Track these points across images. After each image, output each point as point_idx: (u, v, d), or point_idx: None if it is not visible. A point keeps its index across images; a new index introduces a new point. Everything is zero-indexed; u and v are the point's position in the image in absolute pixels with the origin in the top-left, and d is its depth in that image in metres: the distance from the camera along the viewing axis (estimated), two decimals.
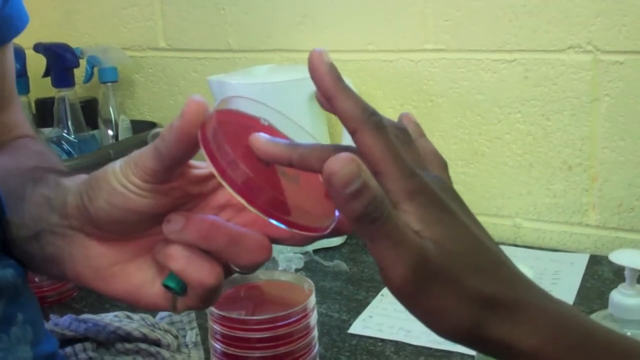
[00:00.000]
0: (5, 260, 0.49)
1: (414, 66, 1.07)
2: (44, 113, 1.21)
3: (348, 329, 0.81)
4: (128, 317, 0.75)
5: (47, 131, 1.16)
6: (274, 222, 0.37)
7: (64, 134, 1.13)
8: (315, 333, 0.66)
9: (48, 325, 0.72)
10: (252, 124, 0.40)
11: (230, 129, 0.38)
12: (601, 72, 0.95)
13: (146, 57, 1.30)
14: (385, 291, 0.89)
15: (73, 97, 1.15)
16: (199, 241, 0.40)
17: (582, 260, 0.96)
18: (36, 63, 1.20)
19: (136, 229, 0.42)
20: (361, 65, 1.10)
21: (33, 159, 0.57)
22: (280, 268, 0.93)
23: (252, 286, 0.68)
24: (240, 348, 0.63)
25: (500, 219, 1.06)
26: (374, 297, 0.88)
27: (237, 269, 0.42)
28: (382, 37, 1.08)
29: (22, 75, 1.19)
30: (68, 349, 0.71)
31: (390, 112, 1.08)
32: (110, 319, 0.73)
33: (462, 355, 0.73)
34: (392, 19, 1.07)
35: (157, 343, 0.72)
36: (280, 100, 0.93)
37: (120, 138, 1.20)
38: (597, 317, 0.61)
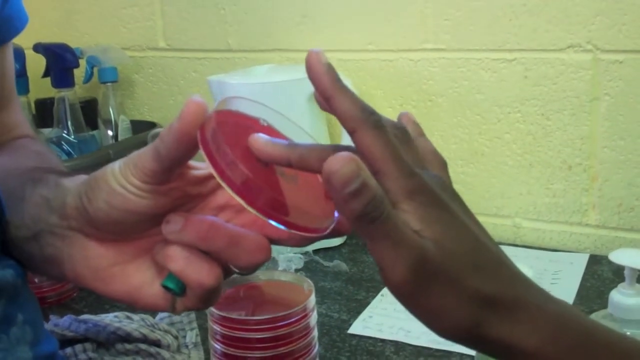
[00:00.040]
0: (5, 260, 0.49)
1: (413, 66, 1.07)
2: (44, 113, 1.21)
3: (348, 329, 0.81)
4: (128, 317, 0.75)
5: (46, 131, 1.16)
6: (273, 222, 0.37)
7: (64, 135, 1.13)
8: (315, 333, 0.66)
9: (48, 326, 0.72)
10: (252, 124, 0.40)
11: (230, 129, 0.38)
12: (601, 72, 0.95)
13: (146, 57, 1.30)
14: (385, 291, 0.89)
15: (73, 97, 1.15)
16: (198, 242, 0.40)
17: (581, 260, 0.96)
18: (36, 63, 1.20)
19: (135, 230, 0.42)
20: (361, 65, 1.10)
21: (33, 159, 0.57)
22: (280, 268, 0.93)
23: (252, 286, 0.68)
24: (240, 348, 0.63)
25: (500, 218, 1.06)
26: (373, 297, 0.88)
27: (237, 270, 0.42)
28: (382, 36, 1.08)
29: (21, 75, 1.18)
30: (68, 350, 0.71)
31: (390, 111, 1.08)
32: (110, 319, 0.73)
33: (462, 355, 0.73)
34: (392, 18, 1.07)
35: (157, 344, 0.72)
36: (280, 100, 0.94)
37: (120, 138, 1.20)
38: (596, 316, 0.61)
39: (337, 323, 0.82)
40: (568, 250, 1.01)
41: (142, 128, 1.21)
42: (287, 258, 0.96)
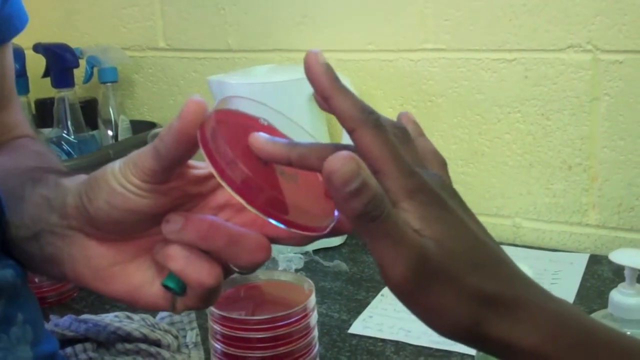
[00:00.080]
0: (4, 260, 0.49)
1: (413, 66, 1.07)
2: (44, 113, 1.21)
3: (348, 329, 0.81)
4: (128, 317, 0.75)
5: (46, 131, 1.16)
6: (273, 221, 0.37)
7: (64, 135, 1.13)
8: (316, 333, 0.66)
9: (48, 326, 0.72)
10: (251, 123, 0.40)
11: (229, 129, 0.38)
12: (601, 72, 0.95)
13: (146, 57, 1.30)
14: (385, 291, 0.89)
15: (73, 97, 1.15)
16: (198, 241, 0.40)
17: (581, 260, 0.96)
18: (36, 63, 1.20)
19: (135, 229, 0.42)
20: (361, 65, 1.10)
21: (32, 159, 0.57)
22: (280, 268, 0.93)
23: (252, 286, 0.68)
24: (241, 348, 0.63)
25: (500, 218, 1.06)
26: (374, 297, 0.88)
27: (237, 269, 0.42)
28: (382, 36, 1.08)
29: (21, 75, 1.18)
30: (68, 350, 0.71)
31: (390, 111, 1.08)
32: (111, 319, 0.73)
33: (462, 355, 0.73)
34: (392, 18, 1.07)
35: (157, 343, 0.72)
36: (280, 100, 0.94)
37: (120, 138, 1.20)
38: (596, 316, 0.61)
39: (337, 323, 0.82)
40: (568, 250, 1.01)
41: (142, 128, 1.21)
42: (287, 258, 0.96)
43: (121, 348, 0.71)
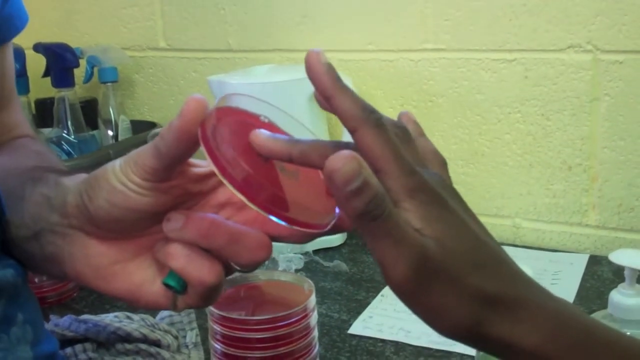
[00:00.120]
0: (5, 260, 0.49)
1: (414, 66, 1.07)
2: (44, 113, 1.21)
3: (348, 329, 0.81)
4: (128, 317, 0.75)
5: (46, 131, 1.16)
6: (274, 219, 0.37)
7: (64, 134, 1.13)
8: (316, 333, 0.66)
9: (48, 326, 0.72)
10: (252, 121, 0.40)
11: (230, 126, 0.38)
12: (601, 72, 0.95)
13: (146, 57, 1.30)
14: (385, 291, 0.89)
15: (73, 97, 1.15)
16: (199, 239, 0.40)
17: (581, 261, 0.96)
18: (36, 63, 1.20)
19: (136, 228, 0.42)
20: (361, 65, 1.10)
21: (33, 159, 0.57)
22: (280, 268, 0.93)
23: (252, 286, 0.68)
24: (241, 348, 0.63)
25: (500, 219, 1.06)
26: (374, 297, 0.88)
27: (238, 267, 0.42)
28: (382, 36, 1.08)
29: (21, 75, 1.18)
30: (68, 350, 0.71)
31: (390, 111, 1.08)
32: (111, 319, 0.73)
33: (462, 355, 0.73)
34: (392, 18, 1.07)
35: (157, 344, 0.72)
36: (280, 100, 0.93)
37: (120, 138, 1.20)
38: (596, 317, 0.61)
39: (337, 323, 0.82)
40: (568, 251, 1.01)
41: (142, 128, 1.21)
42: (287, 258, 0.96)
43: (121, 348, 0.71)
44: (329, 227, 0.38)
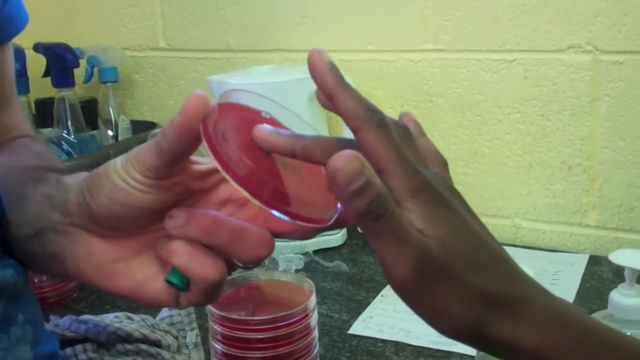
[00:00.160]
0: (5, 260, 0.49)
1: (414, 66, 1.07)
2: (44, 113, 1.21)
3: (348, 329, 0.81)
4: (128, 317, 0.74)
5: (46, 131, 1.16)
6: (276, 213, 0.37)
7: (64, 135, 1.13)
8: (316, 333, 0.66)
9: (48, 326, 0.72)
10: (254, 117, 0.40)
11: (232, 122, 0.38)
12: (601, 72, 0.95)
13: (146, 57, 1.30)
14: (385, 292, 0.89)
15: (73, 97, 1.15)
16: (201, 236, 0.40)
17: (581, 261, 0.96)
18: (36, 63, 1.20)
19: (138, 225, 0.42)
20: (361, 65, 1.11)
21: (33, 159, 0.57)
22: (280, 268, 0.93)
23: (252, 287, 0.68)
24: (241, 349, 0.63)
25: (500, 219, 1.06)
26: (374, 297, 0.88)
27: (240, 264, 0.42)
28: (382, 37, 1.08)
29: (21, 75, 1.18)
30: (68, 350, 0.70)
31: (390, 112, 1.07)
32: (111, 319, 0.73)
33: (462, 355, 0.73)
34: (392, 19, 1.07)
35: (157, 344, 0.71)
36: (280, 100, 0.94)
37: (120, 138, 1.20)
38: (596, 317, 0.61)
39: (338, 323, 0.82)
40: (568, 251, 1.01)
41: (142, 128, 1.22)
42: (288, 258, 0.96)
43: (121, 349, 0.71)
44: (331, 221, 0.38)
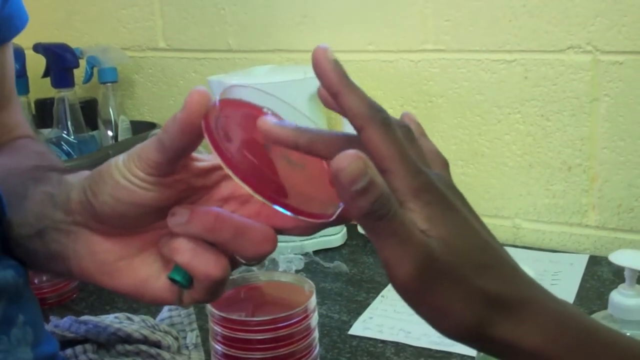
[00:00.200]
0: (5, 260, 0.49)
1: (413, 66, 1.07)
2: (44, 113, 1.21)
3: (348, 330, 0.81)
4: (128, 318, 0.74)
5: (46, 132, 1.16)
6: (279, 209, 0.36)
7: (64, 135, 1.13)
8: (316, 334, 0.66)
9: (48, 327, 0.72)
10: (256, 113, 0.40)
11: (234, 118, 0.38)
12: (601, 73, 0.95)
13: (146, 57, 1.30)
14: (385, 292, 0.89)
15: (73, 97, 1.15)
16: (204, 233, 0.40)
17: (581, 261, 0.96)
18: (36, 63, 1.20)
19: (141, 223, 0.42)
20: (361, 66, 1.10)
21: (33, 159, 0.57)
22: (280, 269, 0.93)
23: (252, 287, 0.68)
24: (241, 349, 0.63)
25: (500, 219, 1.06)
26: (374, 298, 0.88)
27: (243, 261, 0.42)
28: (382, 37, 1.08)
29: (21, 75, 1.18)
30: (68, 351, 0.70)
31: (390, 112, 1.07)
32: (111, 320, 0.73)
33: (462, 356, 0.73)
34: (392, 19, 1.07)
35: (157, 345, 0.71)
36: None
37: (120, 139, 1.20)
38: (596, 317, 0.61)
39: (338, 324, 0.82)
40: (568, 251, 1.01)
41: (142, 128, 1.21)
42: (288, 259, 0.96)
43: (121, 349, 0.71)
44: (334, 216, 0.38)
